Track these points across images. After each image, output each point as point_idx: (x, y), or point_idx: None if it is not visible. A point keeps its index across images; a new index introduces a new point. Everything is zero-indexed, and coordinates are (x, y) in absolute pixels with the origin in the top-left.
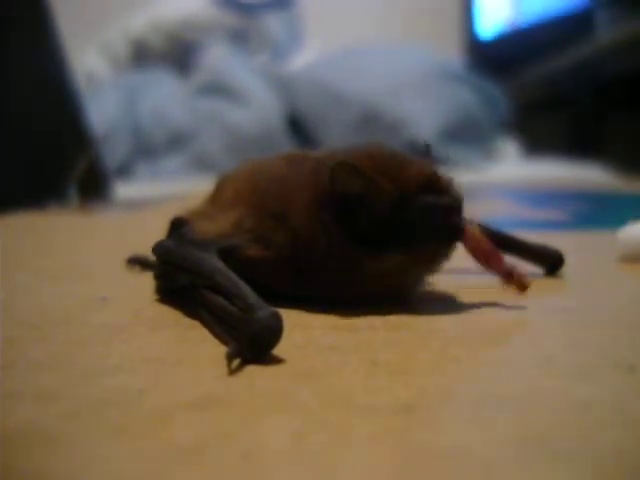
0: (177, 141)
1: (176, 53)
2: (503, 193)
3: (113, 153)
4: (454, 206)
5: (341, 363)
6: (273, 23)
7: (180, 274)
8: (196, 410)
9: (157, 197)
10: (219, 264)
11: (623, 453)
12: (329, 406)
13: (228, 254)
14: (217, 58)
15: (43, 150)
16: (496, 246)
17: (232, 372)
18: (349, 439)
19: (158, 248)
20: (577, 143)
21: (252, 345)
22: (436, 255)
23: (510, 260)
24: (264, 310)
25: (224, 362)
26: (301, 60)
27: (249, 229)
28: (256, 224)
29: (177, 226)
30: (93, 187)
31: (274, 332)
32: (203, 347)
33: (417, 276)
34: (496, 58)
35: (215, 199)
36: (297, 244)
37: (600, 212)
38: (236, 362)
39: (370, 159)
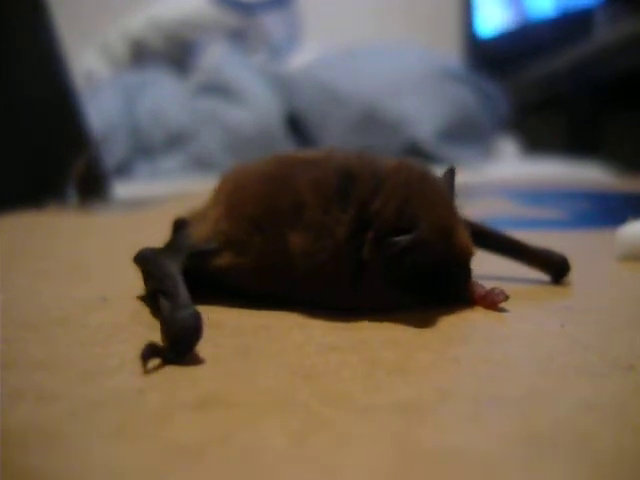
0: (176, 140)
1: (175, 52)
2: (502, 192)
3: (112, 152)
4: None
5: (341, 363)
6: (272, 22)
7: (148, 279)
8: (196, 410)
9: (156, 196)
10: (173, 269)
11: (623, 453)
12: (329, 406)
13: (199, 259)
14: (216, 57)
15: (42, 149)
16: (498, 251)
17: (147, 371)
18: (349, 439)
19: (139, 255)
20: (576, 142)
21: (172, 345)
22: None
23: (511, 266)
24: (185, 310)
25: (224, 362)
26: (300, 59)
27: (222, 231)
28: (230, 226)
29: (178, 227)
30: (92, 187)
31: (191, 331)
32: (202, 347)
33: None
34: (495, 57)
35: (212, 198)
36: (289, 255)
37: (599, 211)
38: (156, 361)
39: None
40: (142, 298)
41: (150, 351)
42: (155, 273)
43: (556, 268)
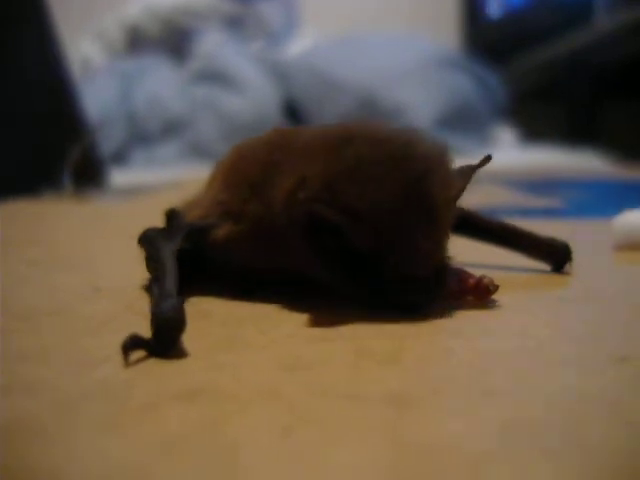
0: (172, 128)
1: (172, 40)
2: (499, 181)
3: (108, 140)
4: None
5: (331, 353)
6: (269, 10)
7: (148, 262)
8: (183, 402)
9: (152, 184)
10: (166, 252)
11: (613, 447)
12: (316, 398)
13: (198, 236)
14: (213, 45)
15: (38, 137)
16: (498, 241)
17: (128, 364)
18: (336, 432)
19: (142, 236)
20: (574, 130)
21: (156, 337)
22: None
23: (506, 254)
24: (168, 301)
25: (212, 353)
26: (297, 47)
27: (221, 201)
28: (229, 196)
29: (170, 218)
30: (88, 174)
31: (173, 324)
32: (191, 337)
33: None
34: (494, 45)
35: (206, 185)
36: (272, 216)
37: (596, 200)
38: (139, 353)
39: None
40: (137, 287)
41: (132, 343)
42: (152, 256)
43: (558, 256)
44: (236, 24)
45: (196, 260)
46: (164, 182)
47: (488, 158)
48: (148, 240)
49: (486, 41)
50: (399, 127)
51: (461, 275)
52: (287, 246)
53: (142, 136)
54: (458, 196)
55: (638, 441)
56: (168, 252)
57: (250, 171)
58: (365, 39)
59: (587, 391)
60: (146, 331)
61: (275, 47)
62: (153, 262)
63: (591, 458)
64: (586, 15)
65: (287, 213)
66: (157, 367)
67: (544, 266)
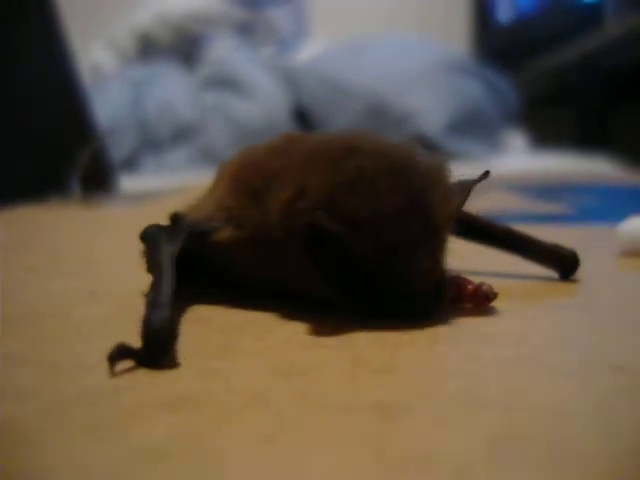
0: (183, 134)
1: (182, 46)
2: (510, 186)
3: (119, 146)
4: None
5: (323, 360)
6: (279, 16)
7: (147, 263)
8: (168, 410)
9: (163, 190)
10: (165, 254)
11: (604, 458)
12: (304, 406)
13: (200, 238)
14: (223, 51)
15: (46, 142)
16: (503, 247)
17: (115, 374)
18: (322, 442)
19: (144, 233)
20: (585, 135)
21: (146, 348)
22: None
23: (511, 261)
24: (159, 311)
25: (205, 359)
26: (307, 53)
27: (227, 207)
28: (233, 201)
29: (175, 221)
30: (97, 180)
31: (164, 335)
32: (186, 343)
33: None
34: (504, 50)
35: (211, 186)
36: (270, 226)
37: (604, 205)
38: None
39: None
40: (134, 292)
41: (119, 353)
42: (151, 257)
43: (565, 263)
44: (246, 30)
45: (197, 261)
46: (173, 188)
47: (486, 174)
48: (149, 238)
49: (496, 46)
50: (400, 141)
51: (459, 282)
52: (285, 257)
53: (153, 142)
54: (457, 211)
55: (633, 452)
56: (167, 255)
57: (253, 178)
58: (374, 44)
59: (579, 401)
60: (139, 337)
61: (285, 53)
62: (151, 264)
63: (578, 470)
64: (596, 20)
65: (284, 223)
66: (148, 374)
67: (553, 274)
